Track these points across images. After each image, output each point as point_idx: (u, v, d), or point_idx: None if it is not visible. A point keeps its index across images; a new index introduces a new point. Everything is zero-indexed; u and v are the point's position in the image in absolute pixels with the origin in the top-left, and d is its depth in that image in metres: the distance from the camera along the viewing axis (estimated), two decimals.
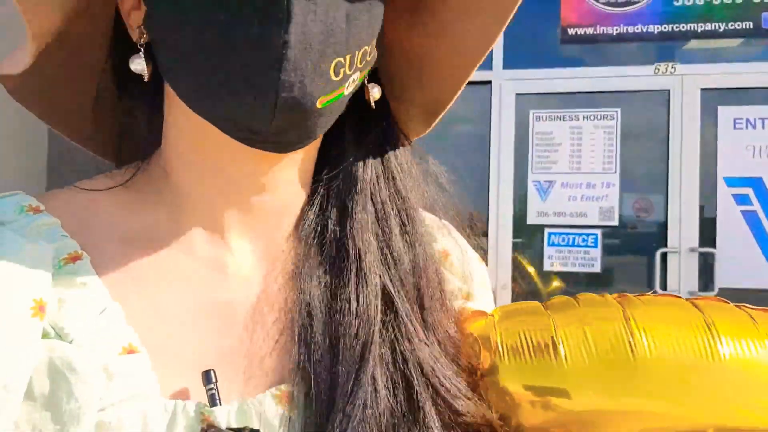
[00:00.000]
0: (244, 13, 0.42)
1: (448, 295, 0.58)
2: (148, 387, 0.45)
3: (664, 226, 3.76)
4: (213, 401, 0.45)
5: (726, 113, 3.65)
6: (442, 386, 0.50)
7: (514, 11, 0.52)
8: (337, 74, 0.46)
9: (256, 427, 0.46)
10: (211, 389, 0.45)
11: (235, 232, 0.53)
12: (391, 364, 0.50)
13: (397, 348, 0.51)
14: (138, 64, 0.50)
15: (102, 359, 0.43)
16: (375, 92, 0.55)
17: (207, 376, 0.45)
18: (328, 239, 0.54)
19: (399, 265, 0.54)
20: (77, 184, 0.54)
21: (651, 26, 3.79)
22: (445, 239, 0.62)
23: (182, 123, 0.52)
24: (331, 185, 0.56)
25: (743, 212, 3.69)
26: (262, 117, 0.45)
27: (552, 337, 0.51)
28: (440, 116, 0.61)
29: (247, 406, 0.46)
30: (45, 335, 0.43)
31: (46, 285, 0.44)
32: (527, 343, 0.52)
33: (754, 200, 3.68)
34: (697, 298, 0.55)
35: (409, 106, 0.61)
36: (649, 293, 0.56)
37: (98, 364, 0.43)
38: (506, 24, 0.53)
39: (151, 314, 0.48)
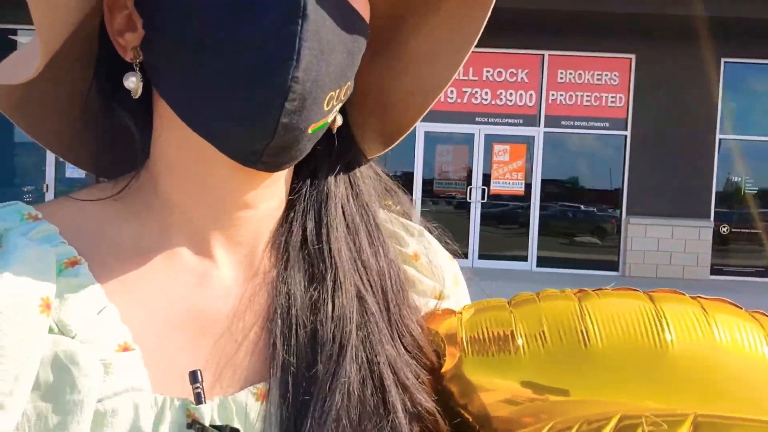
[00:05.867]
0: (257, 52, 0.47)
1: (419, 294, 0.63)
2: (141, 382, 0.49)
3: None
4: (198, 399, 0.49)
5: None
6: (409, 381, 0.55)
7: (467, 57, 0.59)
8: (328, 105, 0.51)
9: (235, 421, 0.50)
10: (197, 388, 0.49)
11: (220, 243, 0.57)
12: (365, 363, 0.54)
13: (370, 348, 0.55)
14: (132, 83, 0.54)
15: (101, 354, 0.48)
16: (339, 120, 0.61)
17: (194, 376, 0.50)
18: (308, 248, 0.58)
19: (369, 272, 0.59)
20: (71, 194, 0.58)
21: None
22: (415, 242, 0.67)
23: (177, 140, 0.55)
24: (308, 200, 0.61)
25: None
26: (262, 140, 0.49)
27: (512, 331, 0.55)
28: (398, 141, 0.67)
29: (228, 403, 0.51)
30: (50, 330, 0.47)
31: (51, 284, 0.48)
32: (489, 337, 0.56)
33: None
34: (653, 291, 0.59)
35: (367, 131, 0.67)
36: (608, 287, 0.60)
37: (98, 358, 0.48)
38: (460, 68, 0.60)
39: (143, 317, 0.52)
